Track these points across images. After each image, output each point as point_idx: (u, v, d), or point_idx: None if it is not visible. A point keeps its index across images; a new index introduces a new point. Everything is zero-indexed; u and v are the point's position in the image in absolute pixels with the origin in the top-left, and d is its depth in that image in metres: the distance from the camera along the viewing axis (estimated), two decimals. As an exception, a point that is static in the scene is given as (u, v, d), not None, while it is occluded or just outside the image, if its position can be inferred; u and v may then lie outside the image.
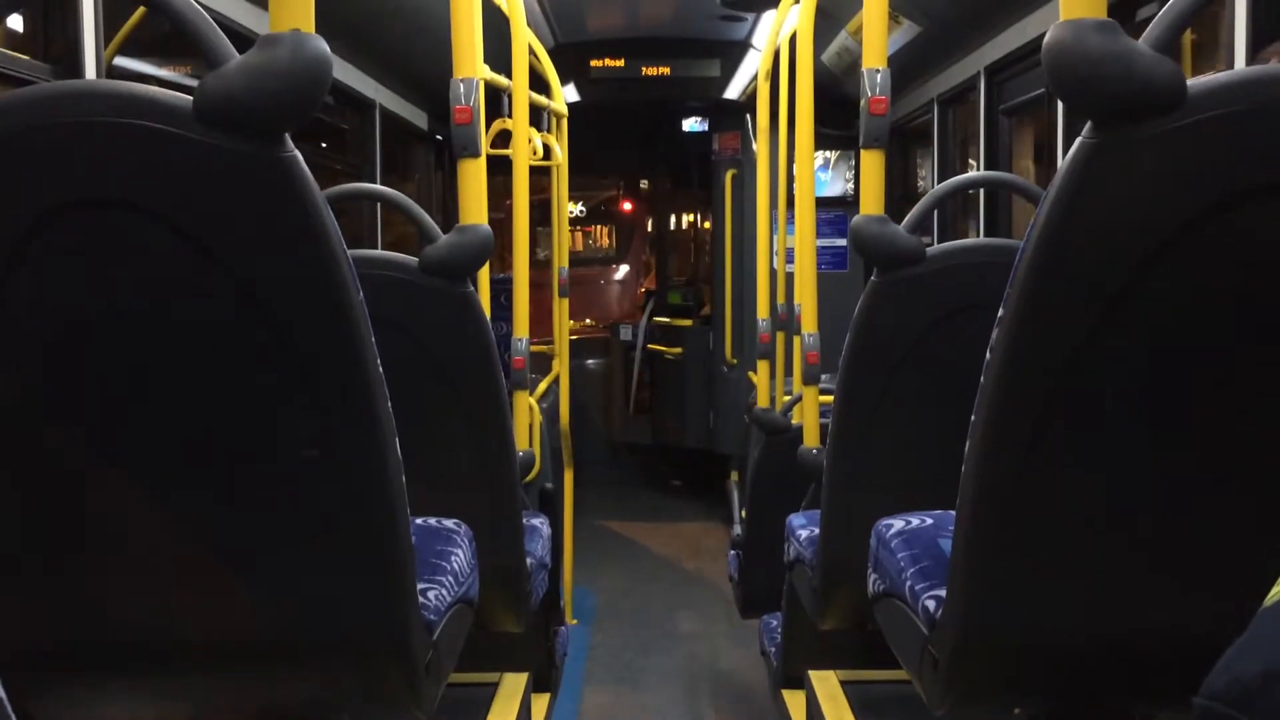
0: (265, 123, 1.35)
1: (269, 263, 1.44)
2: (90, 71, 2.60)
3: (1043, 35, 1.36)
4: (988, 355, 1.52)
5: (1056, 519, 1.57)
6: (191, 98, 1.37)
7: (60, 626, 1.62)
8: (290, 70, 1.35)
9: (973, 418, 1.56)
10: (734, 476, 6.87)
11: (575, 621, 5.61)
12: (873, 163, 2.54)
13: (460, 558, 2.03)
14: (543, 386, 5.11)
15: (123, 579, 1.62)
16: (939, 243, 4.41)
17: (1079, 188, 1.36)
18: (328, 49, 1.38)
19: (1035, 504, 1.55)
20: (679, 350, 8.51)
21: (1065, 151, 1.36)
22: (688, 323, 8.57)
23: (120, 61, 3.10)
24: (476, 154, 2.70)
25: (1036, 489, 1.54)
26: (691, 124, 8.19)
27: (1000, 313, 1.49)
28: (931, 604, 1.78)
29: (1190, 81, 1.31)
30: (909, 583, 1.88)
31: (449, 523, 2.14)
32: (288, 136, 1.38)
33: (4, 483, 1.55)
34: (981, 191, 4.63)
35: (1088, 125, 1.35)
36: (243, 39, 3.43)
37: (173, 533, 1.59)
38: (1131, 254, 1.39)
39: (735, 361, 7.68)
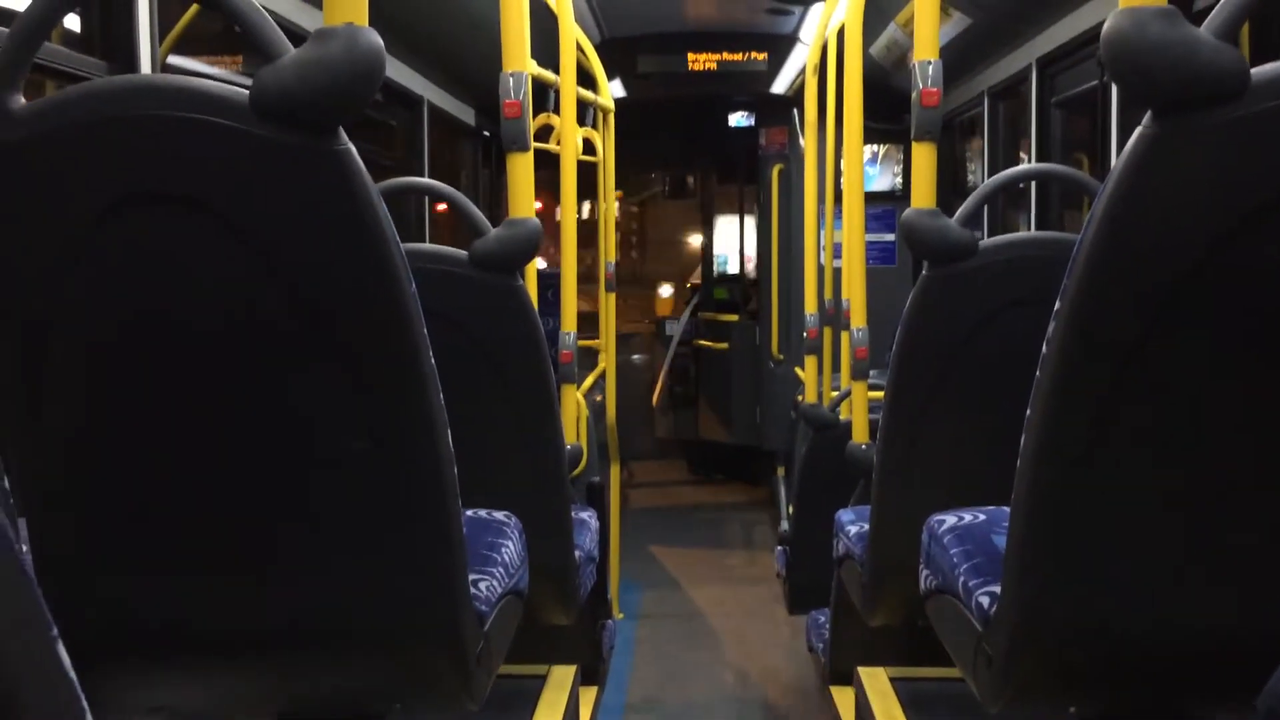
0: (320, 115, 1.36)
1: (323, 255, 1.45)
2: (145, 68, 2.64)
3: (1097, 26, 1.34)
4: (1044, 349, 1.50)
5: (1114, 515, 1.55)
6: (247, 92, 1.38)
7: (116, 611, 1.64)
8: (344, 63, 1.35)
9: (1028, 412, 1.54)
10: (780, 472, 6.84)
11: (621, 615, 5.62)
12: (924, 155, 2.51)
13: (511, 549, 2.04)
14: (589, 381, 5.12)
15: (178, 568, 1.64)
16: (988, 237, 4.37)
17: (1138, 179, 1.34)
18: (381, 42, 1.39)
19: (1092, 500, 1.53)
20: (725, 345, 8.49)
21: (1119, 145, 1.34)
22: (734, 318, 8.55)
23: (173, 59, 3.13)
24: (526, 148, 2.71)
25: (1094, 484, 1.52)
26: (738, 119, 8.16)
27: (1057, 306, 1.47)
28: (985, 600, 1.76)
29: (1253, 70, 1.28)
30: (962, 579, 1.87)
31: (499, 515, 2.15)
32: (342, 130, 1.39)
33: (64, 473, 1.58)
34: (1032, 185, 4.58)
35: (1147, 115, 1.33)
36: (294, 36, 3.46)
37: (227, 523, 1.61)
38: (1191, 245, 1.36)
39: (782, 357, 7.65)
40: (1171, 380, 1.46)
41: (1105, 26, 1.32)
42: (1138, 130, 1.34)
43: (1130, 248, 1.39)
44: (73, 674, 0.72)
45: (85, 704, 0.74)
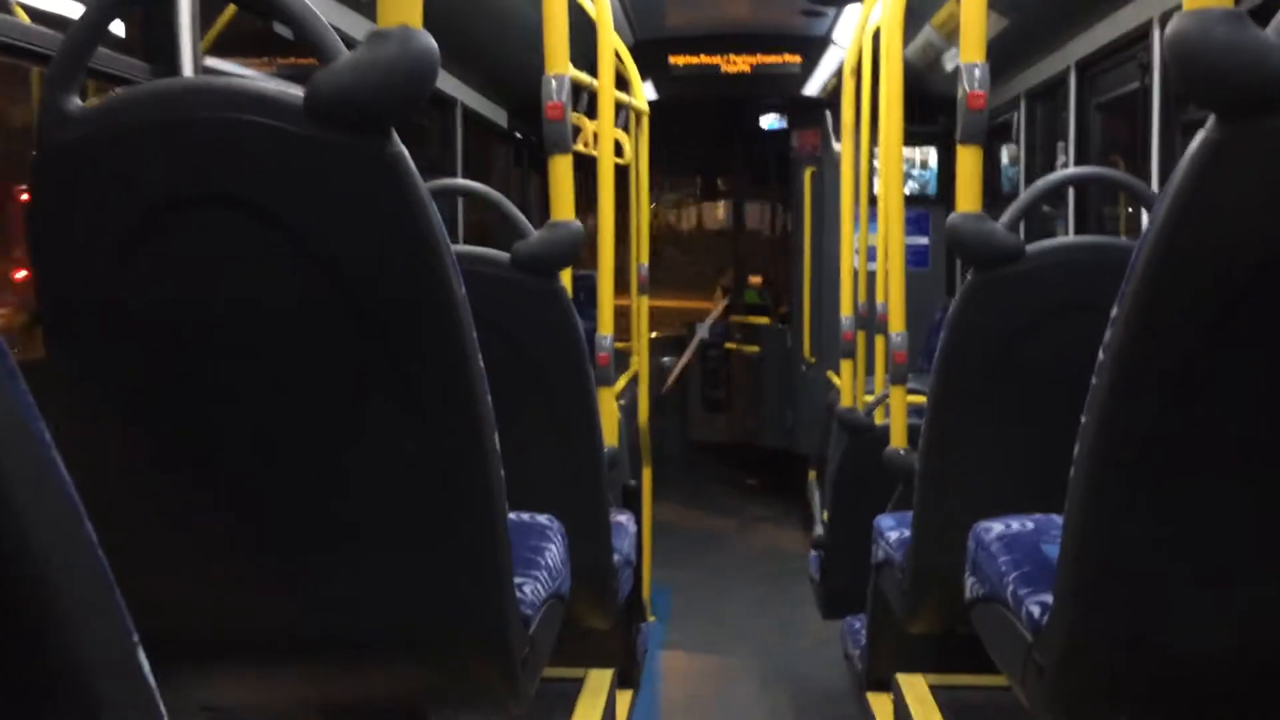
0: (375, 117, 1.36)
1: (375, 257, 1.45)
2: (188, 70, 2.65)
3: (1137, 29, 1.32)
4: (1100, 355, 1.48)
5: (1170, 526, 1.52)
6: (298, 94, 1.38)
7: (167, 613, 1.64)
8: (399, 64, 1.36)
9: (1083, 419, 1.52)
10: (812, 476, 6.81)
11: (654, 619, 5.61)
12: (970, 158, 2.49)
13: (554, 553, 2.03)
14: (621, 383, 5.11)
15: (226, 570, 1.64)
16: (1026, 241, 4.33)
17: (1201, 184, 1.32)
18: (435, 44, 1.39)
19: (1148, 509, 1.51)
20: (756, 348, 8.46)
21: (1161, 148, 1.32)
22: (765, 320, 8.52)
23: (210, 61, 3.15)
24: (567, 150, 2.70)
25: (1150, 493, 1.50)
26: (770, 121, 8.14)
27: (1114, 312, 1.45)
28: (1036, 610, 1.74)
29: (1323, 72, 1.26)
30: (1011, 587, 1.84)
31: (542, 518, 2.14)
32: (394, 132, 1.39)
33: (115, 469, 1.58)
34: (1071, 189, 4.54)
35: (1211, 119, 1.31)
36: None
37: (275, 525, 1.61)
38: (1255, 251, 1.34)
39: (814, 360, 7.62)
40: (1232, 389, 1.43)
41: (1169, 28, 1.30)
42: (1200, 133, 1.32)
43: (1192, 254, 1.37)
44: (153, 682, 0.72)
45: (164, 711, 0.74)
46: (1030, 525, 2.00)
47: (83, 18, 1.47)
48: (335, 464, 1.57)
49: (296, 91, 1.39)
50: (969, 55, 2.46)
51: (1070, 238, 4.19)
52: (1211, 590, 1.57)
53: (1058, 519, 1.63)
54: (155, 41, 2.65)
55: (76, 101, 1.44)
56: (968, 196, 2.47)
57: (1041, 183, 2.51)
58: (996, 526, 2.02)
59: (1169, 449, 1.46)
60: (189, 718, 1.81)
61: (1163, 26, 3.29)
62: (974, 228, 2.29)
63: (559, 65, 2.69)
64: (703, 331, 9.09)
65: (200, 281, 1.49)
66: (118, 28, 2.71)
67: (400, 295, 1.46)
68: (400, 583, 1.62)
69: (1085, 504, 1.54)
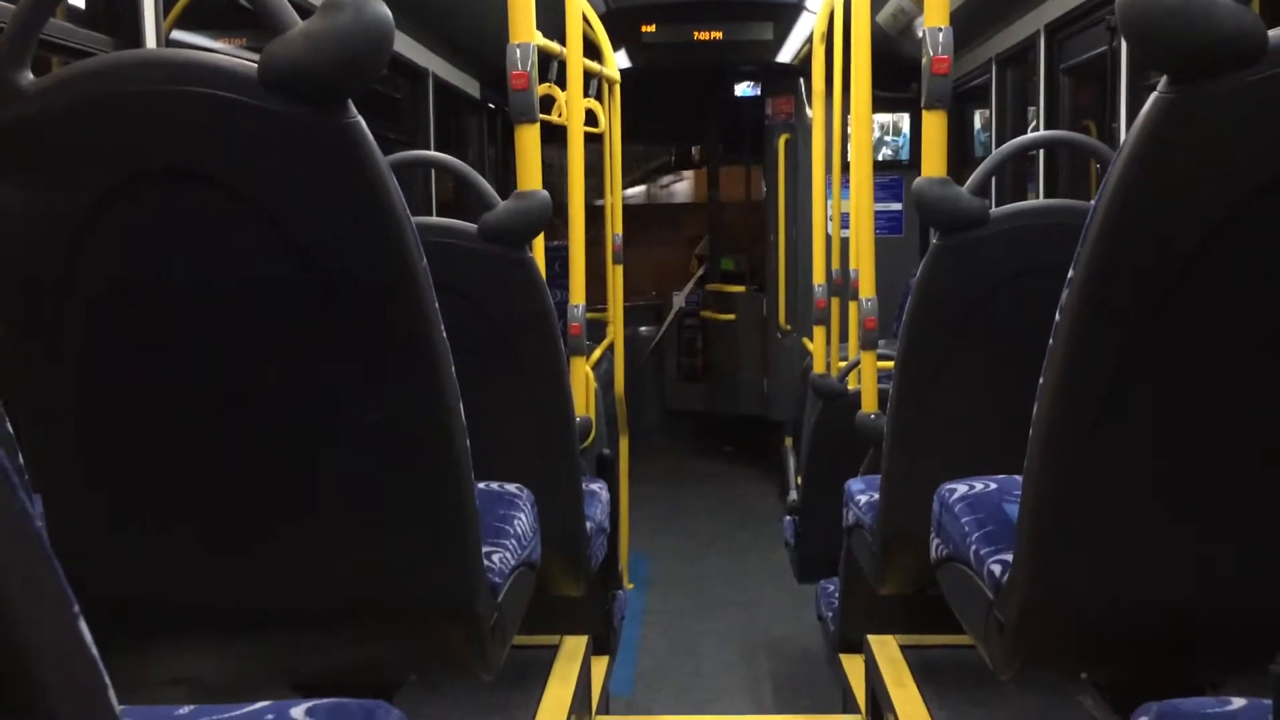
0: (329, 87, 1.36)
1: (333, 229, 1.45)
2: (151, 44, 2.63)
3: None
4: (1057, 316, 1.49)
5: (1126, 483, 1.55)
6: (255, 65, 1.37)
7: (135, 586, 1.65)
8: (353, 34, 1.35)
9: (1041, 380, 1.54)
10: (788, 442, 6.85)
11: (631, 586, 5.65)
12: (935, 123, 2.49)
13: (523, 521, 2.04)
14: (597, 353, 5.12)
15: (192, 542, 1.64)
16: (996, 205, 4.35)
17: (1154, 144, 1.33)
18: (389, 13, 1.38)
19: (1104, 467, 1.53)
20: (732, 316, 8.48)
21: (1129, 111, 1.33)
22: (740, 289, 8.53)
23: (177, 34, 3.12)
24: (534, 119, 2.70)
25: (1106, 452, 1.52)
26: (744, 88, 8.12)
27: (1070, 273, 1.46)
28: (997, 568, 1.76)
29: (1272, 33, 1.27)
30: (974, 547, 1.87)
31: (511, 487, 2.16)
32: (351, 103, 1.39)
33: (78, 448, 1.59)
34: (1040, 153, 4.55)
35: (1162, 80, 1.32)
36: (300, 11, 3.45)
37: (240, 497, 1.61)
38: (1208, 211, 1.36)
39: (789, 328, 7.64)
40: (1185, 348, 1.45)
41: None
42: (1153, 95, 1.33)
43: (1145, 214, 1.38)
44: (95, 650, 0.73)
45: (107, 679, 0.75)
46: (993, 485, 2.02)
47: None
48: (300, 437, 1.58)
49: (254, 62, 1.39)
50: (933, 20, 2.46)
51: (1035, 201, 4.20)
52: (1166, 547, 1.59)
53: (1020, 479, 1.65)
54: (118, 14, 2.63)
55: (29, 76, 1.43)
56: (933, 161, 2.48)
57: (1005, 148, 2.52)
58: (960, 487, 2.05)
59: (1123, 408, 1.48)
60: (159, 690, 1.82)
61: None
62: (939, 193, 2.30)
63: (524, 34, 2.68)
64: (679, 300, 9.11)
65: (160, 256, 1.48)
66: (79, 0, 2.68)
67: (359, 267, 1.46)
68: (367, 553, 1.63)
69: (1042, 463, 1.56)
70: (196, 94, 1.37)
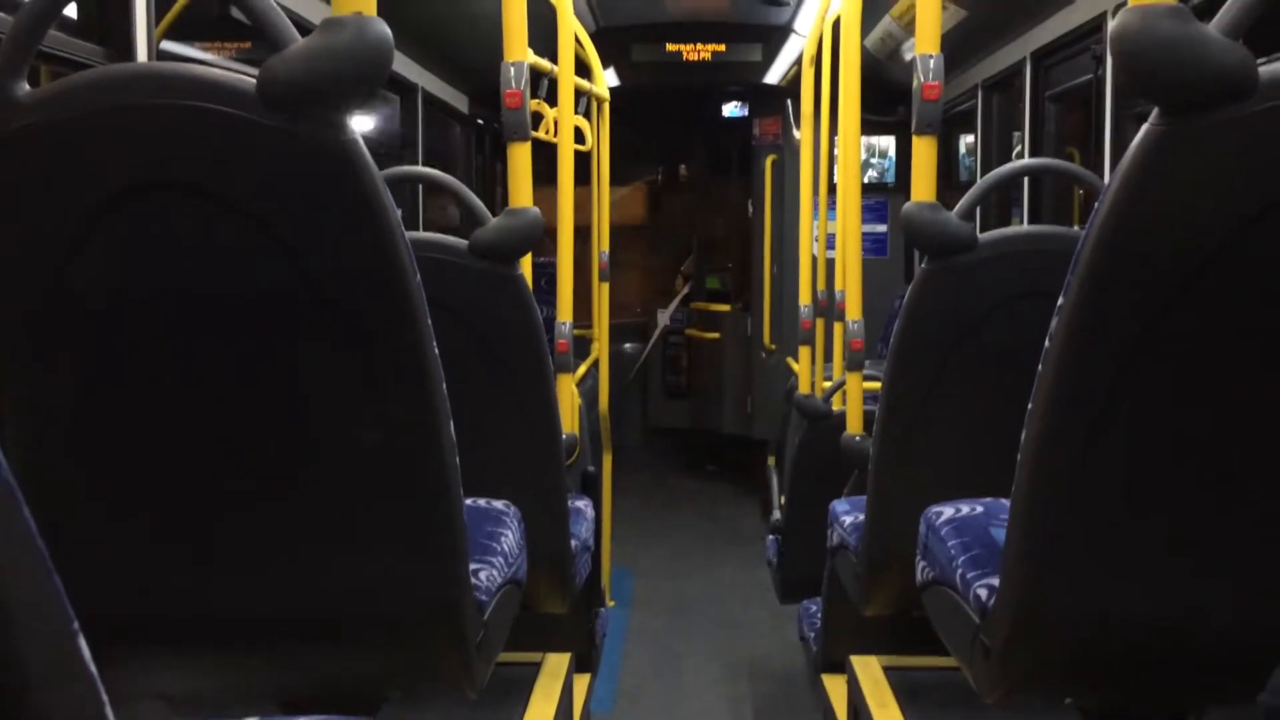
0: (328, 105, 1.36)
1: (329, 245, 1.45)
2: (143, 54, 2.62)
3: (1091, 20, 1.35)
4: (1046, 343, 1.51)
5: (1114, 509, 1.56)
6: (254, 80, 1.38)
7: (121, 600, 1.64)
8: (353, 52, 1.36)
9: (1030, 405, 1.55)
10: (771, 461, 6.86)
11: (614, 603, 5.64)
12: (925, 149, 2.51)
13: (510, 539, 2.04)
14: (582, 370, 5.12)
15: (181, 556, 1.64)
16: (981, 230, 4.38)
17: (1145, 176, 1.35)
18: (389, 32, 1.39)
19: (1093, 493, 1.54)
20: (716, 335, 8.49)
21: (1113, 139, 1.35)
22: (726, 307, 8.55)
23: (167, 45, 3.12)
24: (526, 137, 2.71)
25: (1094, 478, 1.53)
26: (731, 109, 8.15)
27: (1060, 301, 1.48)
28: (984, 592, 1.77)
29: (1261, 68, 1.29)
30: (960, 571, 1.88)
31: (498, 504, 2.15)
32: (349, 120, 1.39)
33: (70, 458, 1.58)
34: (1025, 179, 4.59)
35: (1154, 112, 1.34)
36: (299, 27, 3.45)
37: (231, 511, 1.61)
38: (1197, 243, 1.37)
39: (774, 347, 7.66)
40: (1173, 376, 1.47)
41: (1114, 24, 1.32)
42: (1144, 127, 1.35)
43: (1135, 245, 1.40)
44: (94, 669, 0.73)
45: (105, 698, 0.75)
46: (979, 509, 2.03)
47: (33, 1, 1.46)
48: (291, 451, 1.57)
49: (252, 77, 1.39)
50: (924, 47, 2.48)
51: (1023, 227, 4.24)
52: (1154, 573, 1.60)
53: (1007, 503, 1.66)
54: (109, 25, 2.63)
55: (25, 87, 1.43)
56: (922, 186, 2.50)
57: (994, 174, 2.54)
58: (947, 510, 2.05)
59: (1111, 434, 1.49)
60: (144, 705, 1.81)
61: (1116, 19, 3.33)
62: (928, 217, 2.32)
63: (518, 52, 2.69)
64: (664, 319, 9.12)
65: (155, 269, 1.48)
66: (71, 10, 2.68)
67: (354, 283, 1.47)
68: (355, 568, 1.63)
69: (1030, 487, 1.57)
70: (195, 108, 1.38)
